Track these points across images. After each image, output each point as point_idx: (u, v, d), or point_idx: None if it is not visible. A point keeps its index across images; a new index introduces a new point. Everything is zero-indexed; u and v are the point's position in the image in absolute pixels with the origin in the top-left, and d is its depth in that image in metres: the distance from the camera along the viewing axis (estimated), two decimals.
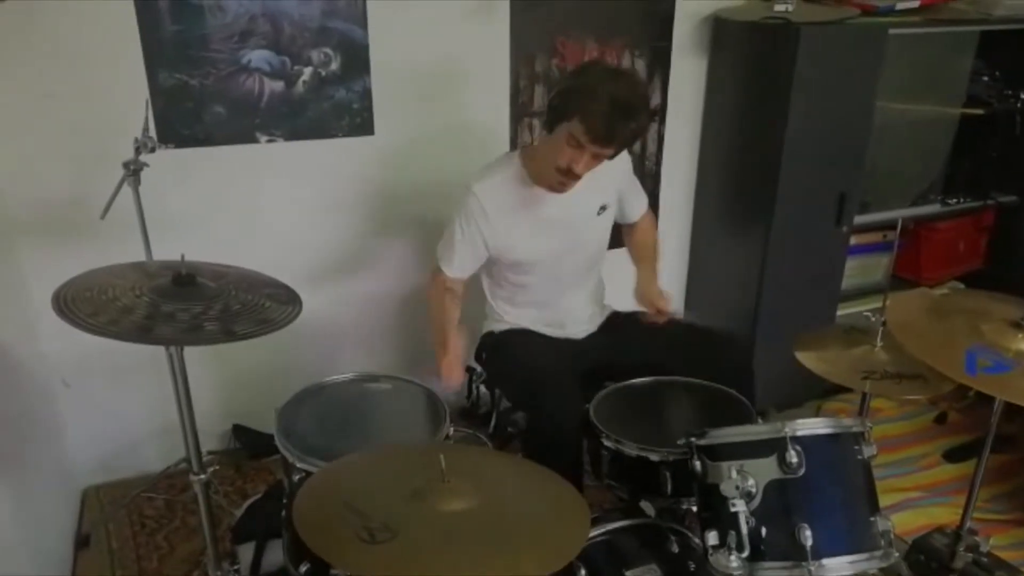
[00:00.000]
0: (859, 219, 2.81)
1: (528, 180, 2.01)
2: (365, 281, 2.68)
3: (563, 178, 1.90)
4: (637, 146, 2.87)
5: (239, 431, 2.65)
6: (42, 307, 1.47)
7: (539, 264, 2.07)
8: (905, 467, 2.67)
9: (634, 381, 2.04)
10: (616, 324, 2.22)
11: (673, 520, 1.73)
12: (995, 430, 1.77)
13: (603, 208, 2.10)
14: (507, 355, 2.12)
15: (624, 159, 2.15)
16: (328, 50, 2.37)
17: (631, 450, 1.77)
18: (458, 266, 2.06)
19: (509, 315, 2.18)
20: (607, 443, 1.81)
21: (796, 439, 1.47)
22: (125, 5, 2.12)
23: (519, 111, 2.68)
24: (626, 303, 2.26)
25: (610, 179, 2.09)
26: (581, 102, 1.80)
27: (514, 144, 2.71)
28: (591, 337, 2.20)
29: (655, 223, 2.38)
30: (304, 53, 2.34)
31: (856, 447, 1.52)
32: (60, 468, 2.39)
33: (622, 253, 2.33)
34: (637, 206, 2.27)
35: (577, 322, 2.19)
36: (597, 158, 1.86)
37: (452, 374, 1.93)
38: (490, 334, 2.19)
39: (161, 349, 1.67)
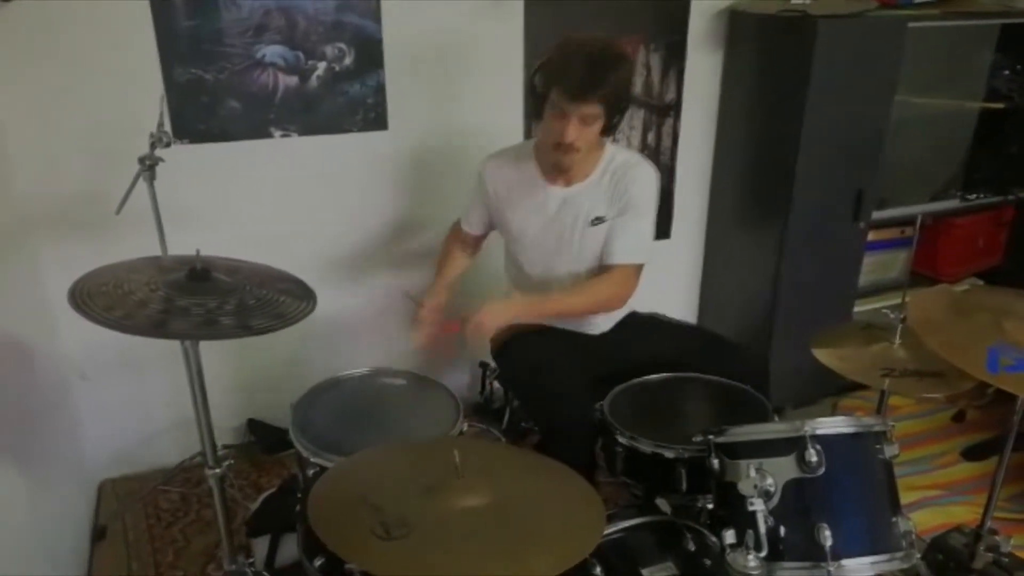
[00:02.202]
0: (877, 215, 2.79)
1: (535, 167, 2.04)
2: (379, 276, 2.68)
3: (560, 154, 1.90)
4: (652, 139, 2.86)
5: (254, 425, 2.66)
6: (59, 301, 1.47)
7: (534, 252, 2.09)
8: (923, 465, 2.64)
9: (649, 377, 2.02)
10: (633, 324, 2.20)
11: (688, 518, 1.71)
12: (1016, 427, 1.75)
13: (598, 219, 2.00)
14: (517, 356, 2.11)
15: (639, 186, 1.98)
16: (342, 45, 2.37)
17: (646, 447, 1.76)
18: (468, 220, 2.21)
19: None
20: (622, 440, 1.80)
21: (816, 438, 1.45)
22: (141, 2, 2.12)
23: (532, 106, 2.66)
24: (645, 304, 2.24)
25: (615, 195, 1.98)
26: (552, 71, 1.85)
27: (528, 139, 2.69)
28: (606, 335, 2.18)
29: (613, 289, 2.00)
30: (318, 48, 2.34)
31: (878, 446, 1.50)
32: (77, 461, 2.41)
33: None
34: (624, 248, 1.98)
35: (590, 319, 2.17)
36: (584, 121, 1.84)
37: (420, 330, 2.00)
38: (506, 329, 2.18)
39: (177, 343, 1.67)
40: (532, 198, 2.05)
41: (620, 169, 2.00)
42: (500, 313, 1.91)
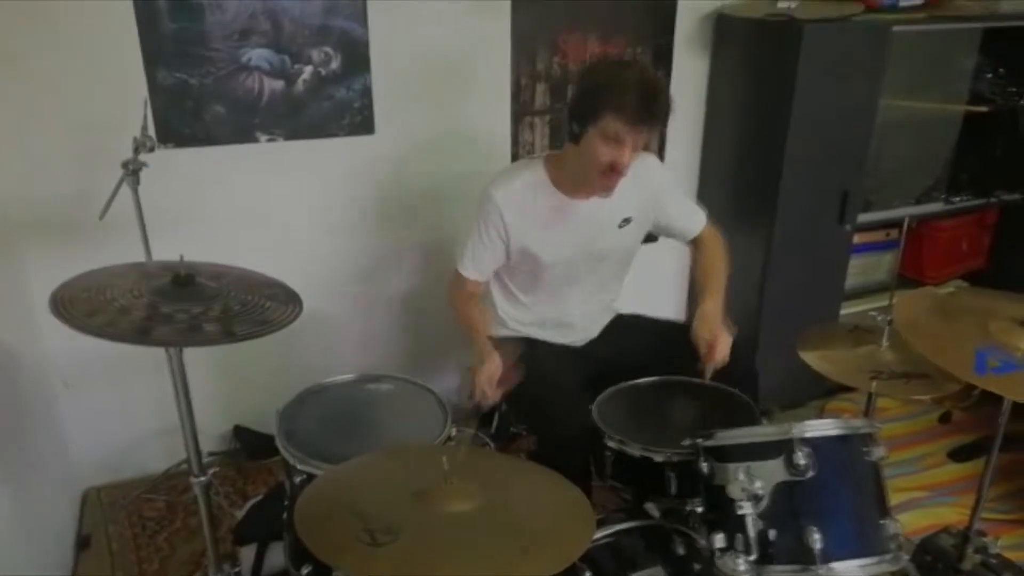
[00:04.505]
0: (862, 218, 2.80)
1: (551, 186, 1.98)
2: (366, 280, 2.66)
3: (609, 177, 1.87)
4: None
5: (240, 432, 2.63)
6: (42, 308, 1.45)
7: (555, 268, 2.04)
8: (910, 467, 2.66)
9: (637, 381, 2.02)
10: (620, 327, 2.20)
11: (678, 521, 1.71)
12: (1003, 429, 1.76)
13: (626, 221, 2.04)
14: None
15: (656, 172, 2.10)
16: (328, 49, 2.35)
17: (635, 451, 1.75)
18: (478, 268, 2.03)
19: (513, 320, 2.15)
20: (610, 444, 1.79)
21: (804, 440, 1.45)
22: (124, 4, 2.10)
23: (520, 110, 2.66)
24: (631, 305, 2.24)
25: (637, 192, 2.03)
26: (609, 97, 1.78)
27: (515, 142, 2.70)
28: (593, 341, 2.18)
29: (721, 242, 2.19)
30: (304, 51, 2.33)
31: (865, 449, 1.50)
32: (61, 469, 2.38)
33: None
34: (689, 221, 2.16)
35: (583, 329, 2.17)
36: (637, 146, 1.84)
37: (489, 390, 1.86)
38: (490, 339, 2.17)
39: (161, 350, 1.66)
40: (560, 220, 1.98)
41: (631, 167, 2.01)
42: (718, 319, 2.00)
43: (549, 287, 2.08)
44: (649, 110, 1.78)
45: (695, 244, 2.20)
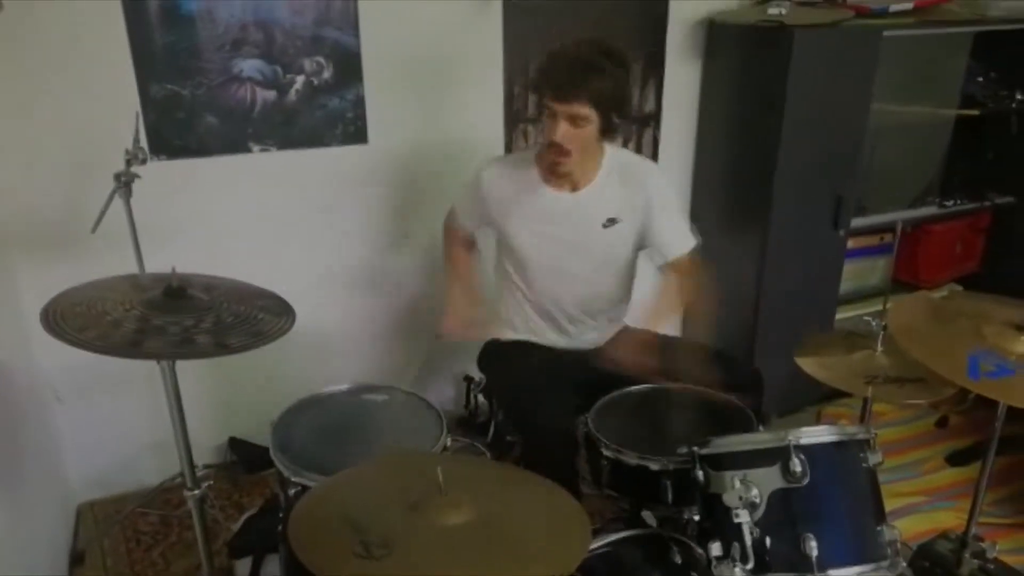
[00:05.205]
0: (856, 222, 2.81)
1: (537, 177, 2.02)
2: (360, 291, 2.66)
3: (553, 155, 1.92)
4: (632, 149, 2.85)
5: (235, 444, 2.62)
6: (35, 321, 1.45)
7: (539, 261, 2.05)
8: (907, 472, 2.65)
9: (632, 388, 2.01)
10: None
11: (675, 530, 1.70)
12: (998, 433, 1.75)
13: (611, 221, 2.03)
14: (505, 365, 2.10)
15: (653, 180, 2.07)
16: (320, 58, 2.35)
17: (631, 459, 1.75)
18: (461, 221, 2.18)
19: (518, 321, 2.15)
20: (607, 452, 1.79)
21: (800, 447, 1.45)
22: (115, 17, 2.10)
23: (513, 117, 2.66)
24: (637, 320, 2.23)
25: (625, 194, 2.03)
26: (541, 75, 1.93)
27: (509, 150, 2.69)
28: (598, 350, 2.16)
29: (695, 279, 2.10)
30: (296, 62, 2.33)
31: (861, 455, 1.50)
32: (55, 484, 2.37)
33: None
34: (674, 238, 2.07)
35: (583, 332, 2.16)
36: (574, 122, 1.85)
37: (449, 326, 2.10)
38: (494, 342, 2.17)
39: (154, 363, 1.65)
40: (534, 206, 2.02)
41: (625, 169, 2.04)
42: (635, 348, 2.04)
43: (539, 279, 2.08)
44: (572, 82, 1.82)
45: (670, 269, 2.12)
